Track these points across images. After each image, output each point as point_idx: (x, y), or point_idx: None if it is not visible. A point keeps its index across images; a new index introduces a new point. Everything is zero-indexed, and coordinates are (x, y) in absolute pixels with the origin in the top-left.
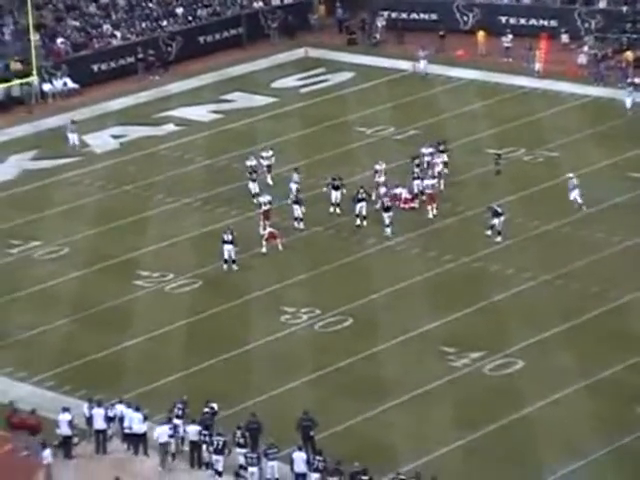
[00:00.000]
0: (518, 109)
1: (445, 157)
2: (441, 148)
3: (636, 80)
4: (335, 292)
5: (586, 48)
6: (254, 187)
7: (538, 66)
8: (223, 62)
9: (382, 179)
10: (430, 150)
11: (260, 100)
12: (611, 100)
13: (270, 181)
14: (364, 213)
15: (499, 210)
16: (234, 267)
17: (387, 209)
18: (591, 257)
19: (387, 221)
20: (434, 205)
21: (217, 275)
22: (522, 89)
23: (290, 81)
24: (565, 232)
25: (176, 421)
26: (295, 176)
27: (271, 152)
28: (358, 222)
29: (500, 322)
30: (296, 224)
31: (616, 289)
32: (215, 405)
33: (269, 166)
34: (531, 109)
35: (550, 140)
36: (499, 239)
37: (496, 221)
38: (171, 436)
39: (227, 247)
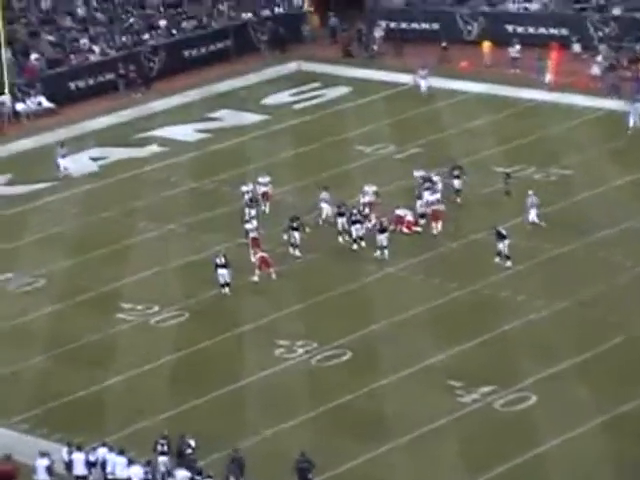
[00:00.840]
0: (527, 124)
1: (457, 184)
2: (455, 173)
3: None
4: (333, 323)
5: (599, 58)
6: (248, 213)
7: (548, 78)
8: (210, 78)
9: (367, 199)
10: (422, 174)
11: (250, 118)
12: (627, 113)
13: (267, 209)
14: (360, 235)
15: (503, 232)
16: (226, 290)
17: (383, 230)
18: (608, 283)
19: (381, 243)
20: (439, 223)
21: (205, 306)
22: (531, 102)
23: (282, 97)
24: (580, 256)
25: (161, 458)
26: (325, 194)
27: (268, 178)
28: (355, 246)
29: (511, 354)
30: (294, 252)
31: (635, 318)
32: (192, 442)
33: (265, 193)
34: (541, 124)
35: (563, 157)
36: (509, 264)
37: (501, 245)
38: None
39: (221, 272)
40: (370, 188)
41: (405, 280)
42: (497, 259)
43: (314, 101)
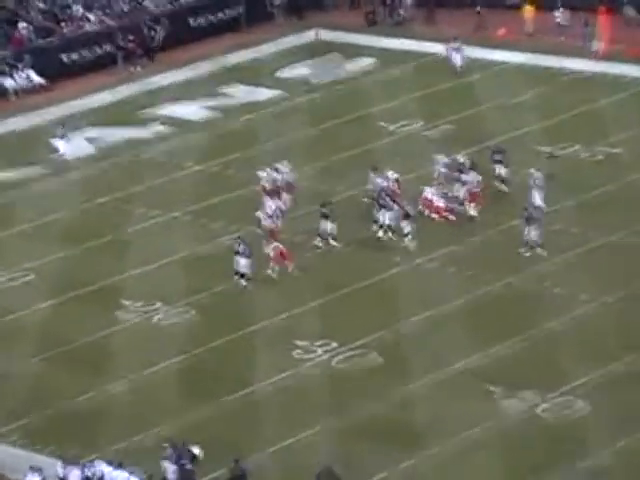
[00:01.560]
0: (573, 97)
1: (499, 169)
2: (497, 158)
3: None
4: (355, 321)
5: None
6: (268, 206)
7: (597, 46)
8: (218, 49)
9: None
10: (446, 161)
11: (263, 93)
12: None
13: (289, 202)
14: (387, 222)
15: (533, 215)
16: (242, 282)
17: (407, 216)
18: None
19: (406, 230)
20: (474, 204)
21: (214, 302)
22: (578, 74)
23: (299, 69)
24: (630, 244)
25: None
26: (372, 176)
27: (289, 167)
28: (380, 233)
29: (555, 354)
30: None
31: None
32: (197, 450)
33: (289, 184)
34: (589, 97)
35: (612, 134)
36: (540, 251)
37: (526, 231)
38: None
39: (238, 259)
40: (392, 175)
41: (436, 272)
42: (522, 249)
43: (334, 74)
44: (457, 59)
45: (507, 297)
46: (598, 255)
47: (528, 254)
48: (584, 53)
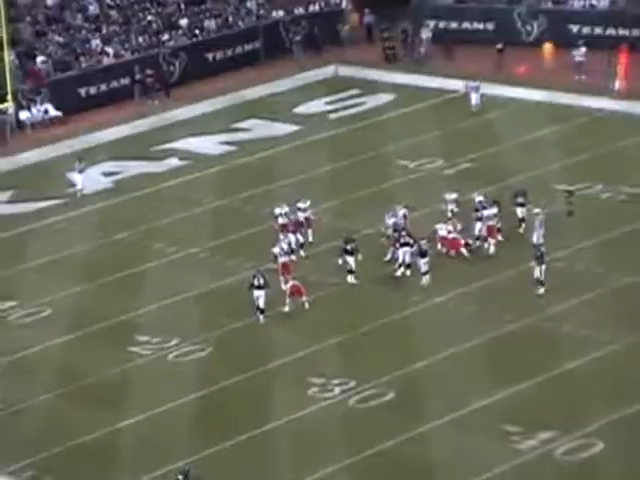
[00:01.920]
0: (594, 137)
1: (520, 212)
2: (519, 201)
3: None
4: (373, 360)
5: None
6: (286, 242)
7: (618, 84)
8: (236, 83)
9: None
10: (454, 197)
11: (281, 128)
12: None
13: (310, 237)
14: (407, 261)
15: (541, 251)
16: (261, 318)
17: (424, 254)
18: None
19: (423, 268)
20: (494, 239)
21: (230, 339)
22: (598, 112)
23: (317, 105)
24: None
25: None
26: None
27: (308, 202)
28: (399, 272)
29: (575, 395)
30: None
31: None
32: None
33: (307, 219)
34: (610, 137)
35: (633, 174)
36: (541, 291)
37: (538, 269)
38: None
39: (258, 293)
40: (401, 211)
41: (455, 311)
42: (540, 290)
43: (353, 110)
44: (474, 98)
45: (526, 337)
46: (621, 296)
47: (540, 292)
48: (605, 92)
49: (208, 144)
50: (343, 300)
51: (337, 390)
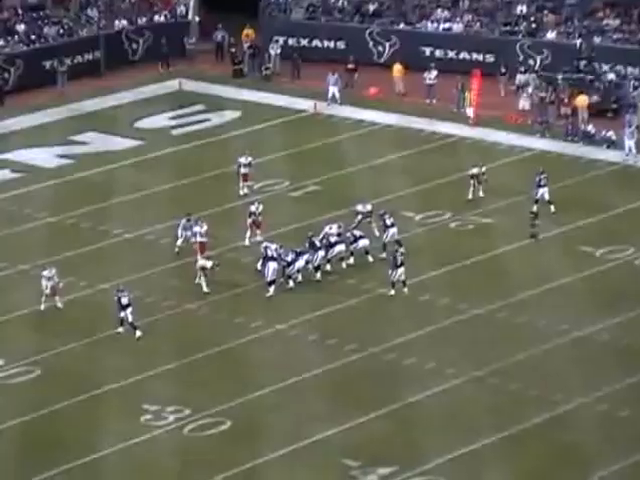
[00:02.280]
0: (445, 163)
1: (542, 193)
2: (542, 182)
3: (589, 129)
4: (210, 387)
5: (530, 89)
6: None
7: (470, 111)
8: (75, 94)
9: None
10: (368, 208)
11: (121, 143)
12: (559, 155)
13: (245, 190)
14: (271, 277)
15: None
16: (138, 333)
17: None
18: (532, 350)
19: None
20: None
21: (61, 362)
22: (449, 138)
23: (159, 120)
24: (501, 318)
25: None
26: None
27: (250, 158)
28: (271, 292)
29: (416, 430)
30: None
31: (557, 391)
32: None
33: (245, 175)
34: (461, 163)
35: (483, 203)
36: (392, 292)
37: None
38: None
39: (128, 309)
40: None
41: (296, 340)
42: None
43: (197, 126)
44: (334, 92)
45: (369, 369)
46: (466, 328)
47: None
48: (457, 118)
49: (44, 156)
50: (180, 324)
51: (171, 418)
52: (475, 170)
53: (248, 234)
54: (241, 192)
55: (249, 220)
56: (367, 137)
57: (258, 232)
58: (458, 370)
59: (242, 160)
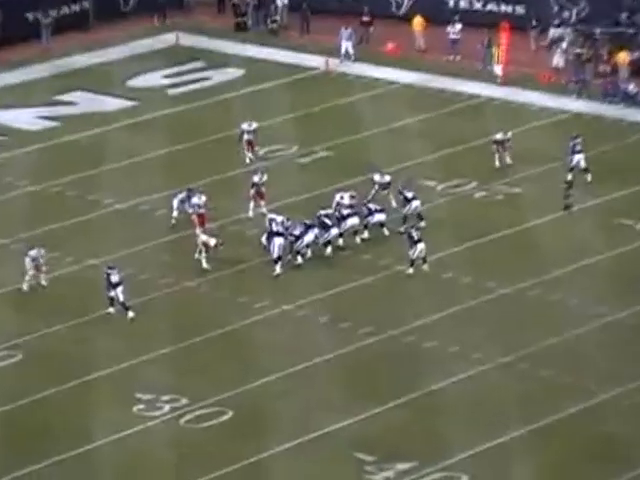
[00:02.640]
0: (470, 126)
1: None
2: (577, 147)
3: (631, 89)
4: (209, 373)
5: (565, 45)
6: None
7: (498, 68)
8: (61, 49)
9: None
10: (387, 179)
11: (111, 103)
12: (596, 118)
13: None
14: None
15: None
16: (130, 314)
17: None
18: (565, 334)
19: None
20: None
21: (46, 346)
22: (475, 99)
23: (154, 78)
24: (531, 297)
25: None
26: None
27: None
28: (278, 270)
29: (437, 421)
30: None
31: (596, 381)
32: None
33: (250, 142)
34: (487, 127)
35: (512, 171)
36: (411, 270)
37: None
38: None
39: (119, 288)
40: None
41: (306, 321)
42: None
43: (195, 86)
44: (346, 48)
45: (387, 353)
46: (494, 308)
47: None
48: (483, 76)
49: (25, 118)
50: (177, 304)
51: (167, 408)
52: (499, 136)
53: (251, 205)
54: (247, 161)
55: (252, 191)
56: (384, 98)
57: (262, 203)
58: (484, 355)
59: (245, 127)
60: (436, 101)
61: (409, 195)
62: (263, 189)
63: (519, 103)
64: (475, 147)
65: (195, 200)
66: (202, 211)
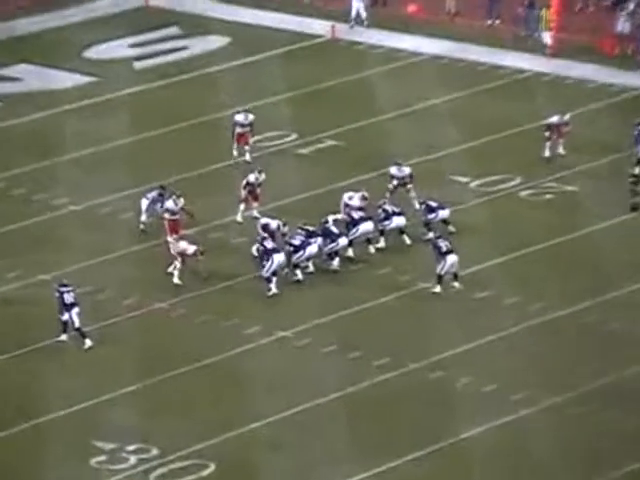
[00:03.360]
0: (513, 108)
1: None
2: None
3: None
4: (186, 417)
5: (632, 6)
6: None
7: (547, 36)
8: (3, 12)
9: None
10: (406, 172)
11: (64, 79)
12: None
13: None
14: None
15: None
16: (88, 342)
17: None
18: (633, 367)
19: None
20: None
21: None
22: (519, 73)
23: (118, 48)
24: (589, 323)
25: None
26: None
27: (251, 117)
28: (273, 288)
29: (469, 478)
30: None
31: None
32: None
33: (241, 135)
34: (534, 108)
35: (565, 164)
36: (438, 289)
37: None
38: None
39: (74, 310)
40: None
41: (307, 351)
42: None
43: (169, 57)
44: (356, 8)
45: (408, 391)
46: (537, 336)
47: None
48: (529, 45)
49: None
50: (146, 330)
51: (133, 460)
52: (555, 119)
53: (241, 207)
54: (235, 153)
55: (243, 192)
56: (405, 72)
57: (255, 205)
58: (529, 395)
59: (240, 119)
60: (470, 76)
61: (434, 204)
62: (258, 190)
63: (574, 79)
64: (519, 134)
65: (169, 204)
66: (176, 217)
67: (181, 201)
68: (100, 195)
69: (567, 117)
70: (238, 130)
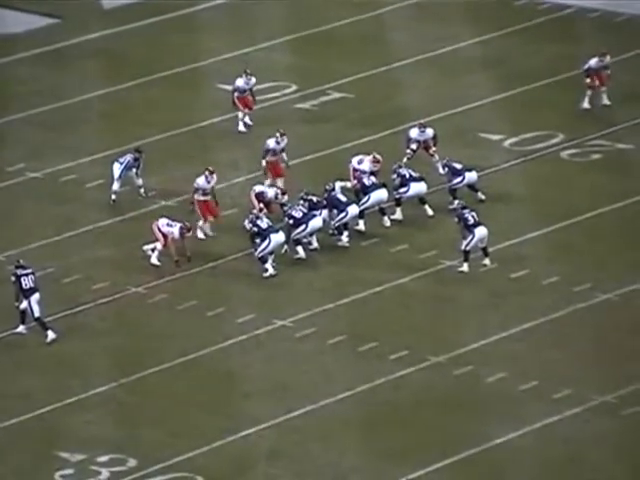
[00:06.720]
0: (553, 50)
1: None
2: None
3: None
4: (167, 423)
5: None
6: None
7: None
8: None
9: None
10: (429, 134)
11: (20, 21)
12: None
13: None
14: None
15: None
16: (50, 334)
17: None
18: None
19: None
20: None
21: None
22: (561, 10)
23: None
24: None
25: None
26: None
27: (253, 79)
28: (269, 269)
29: None
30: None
31: None
32: None
33: (241, 100)
34: (579, 51)
35: (612, 116)
36: (465, 267)
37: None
38: None
39: (34, 297)
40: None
41: (309, 343)
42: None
43: None
44: None
45: (430, 390)
46: (590, 321)
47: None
48: None
49: None
50: (120, 319)
51: (105, 473)
52: (593, 62)
53: (268, 182)
54: (241, 127)
55: (263, 162)
56: (425, 10)
57: (279, 182)
58: (574, 392)
59: (241, 83)
60: (502, 13)
61: (458, 166)
62: (282, 165)
63: (626, 16)
64: (562, 82)
65: (201, 182)
66: (207, 197)
67: (214, 178)
68: (63, 160)
69: (607, 59)
70: (237, 95)
